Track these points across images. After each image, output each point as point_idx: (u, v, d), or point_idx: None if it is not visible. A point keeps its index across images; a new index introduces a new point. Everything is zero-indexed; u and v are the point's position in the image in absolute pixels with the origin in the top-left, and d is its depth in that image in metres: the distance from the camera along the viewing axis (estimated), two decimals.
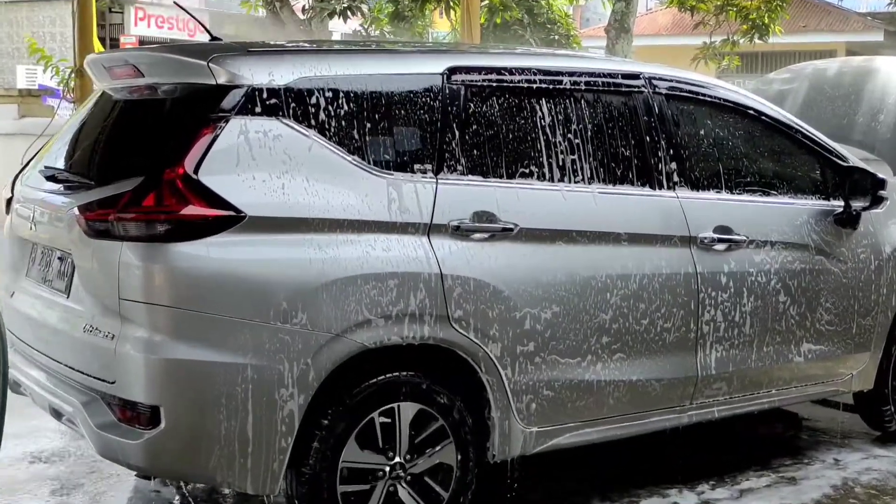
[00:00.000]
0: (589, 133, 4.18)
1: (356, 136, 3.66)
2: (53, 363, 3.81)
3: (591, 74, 4.28)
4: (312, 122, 3.59)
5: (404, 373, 3.72)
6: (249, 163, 3.45)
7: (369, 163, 3.66)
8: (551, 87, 4.14)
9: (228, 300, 3.37)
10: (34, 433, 5.08)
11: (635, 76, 4.41)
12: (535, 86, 4.10)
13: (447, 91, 3.89)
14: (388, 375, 3.69)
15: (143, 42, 26.71)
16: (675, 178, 4.36)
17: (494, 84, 4.01)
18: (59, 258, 3.85)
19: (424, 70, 3.92)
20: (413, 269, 3.65)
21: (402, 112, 3.79)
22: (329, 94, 3.65)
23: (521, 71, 4.10)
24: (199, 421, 3.36)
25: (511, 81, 4.05)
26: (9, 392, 4.08)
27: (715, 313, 4.39)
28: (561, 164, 4.07)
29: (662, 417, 4.35)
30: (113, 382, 3.45)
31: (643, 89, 4.38)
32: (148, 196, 3.38)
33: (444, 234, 3.75)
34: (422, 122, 3.82)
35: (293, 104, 3.58)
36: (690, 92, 4.57)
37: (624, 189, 4.22)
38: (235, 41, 4.03)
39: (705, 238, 4.39)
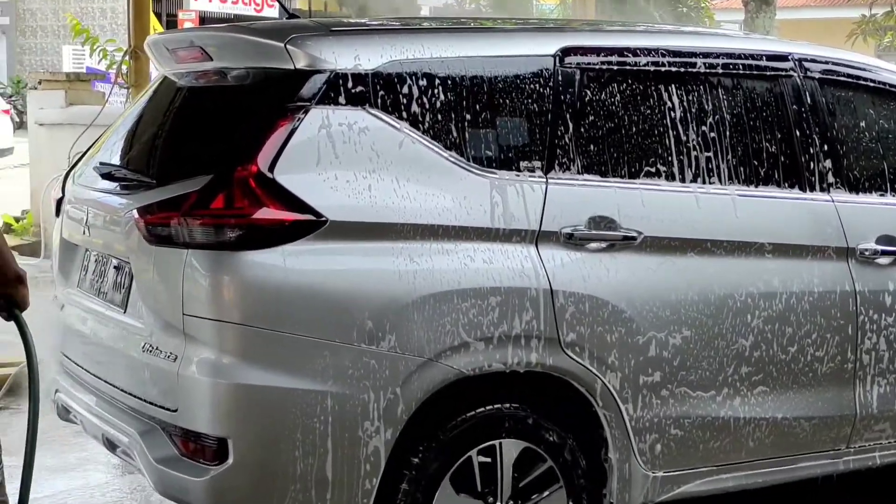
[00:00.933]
0: (727, 125, 4.12)
1: (454, 130, 3.67)
2: (107, 387, 3.90)
3: (730, 56, 4.23)
4: (404, 112, 3.61)
5: (507, 405, 3.72)
6: (331, 160, 3.49)
7: (469, 160, 3.67)
8: (682, 71, 4.10)
9: (306, 317, 3.41)
10: (84, 465, 5.20)
11: (782, 57, 4.34)
12: (662, 69, 4.07)
13: (560, 76, 3.88)
14: (488, 408, 3.69)
15: (203, 19, 27.26)
16: (830, 179, 4.28)
17: (615, 68, 3.99)
18: (115, 267, 3.94)
19: (533, 52, 3.91)
20: (518, 285, 3.64)
21: (508, 101, 3.79)
22: (423, 81, 3.67)
23: (647, 52, 4.07)
24: (272, 457, 3.40)
25: (634, 65, 4.02)
26: (56, 419, 4.20)
27: (877, 340, 4.29)
28: (693, 161, 4.02)
29: (813, 463, 4.27)
30: (175, 410, 3.51)
31: (792, 73, 4.31)
32: (216, 197, 3.44)
33: (555, 244, 3.73)
34: (530, 112, 3.82)
35: (382, 92, 3.61)
36: (848, 76, 4.48)
37: (768, 191, 4.16)
38: (315, 19, 4.08)
39: (866, 250, 4.30)
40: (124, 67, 8.75)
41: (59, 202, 4.47)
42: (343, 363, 3.43)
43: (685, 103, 4.07)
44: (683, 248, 3.94)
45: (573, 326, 3.72)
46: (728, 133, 4.12)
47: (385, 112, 3.60)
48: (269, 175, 3.41)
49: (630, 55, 4.03)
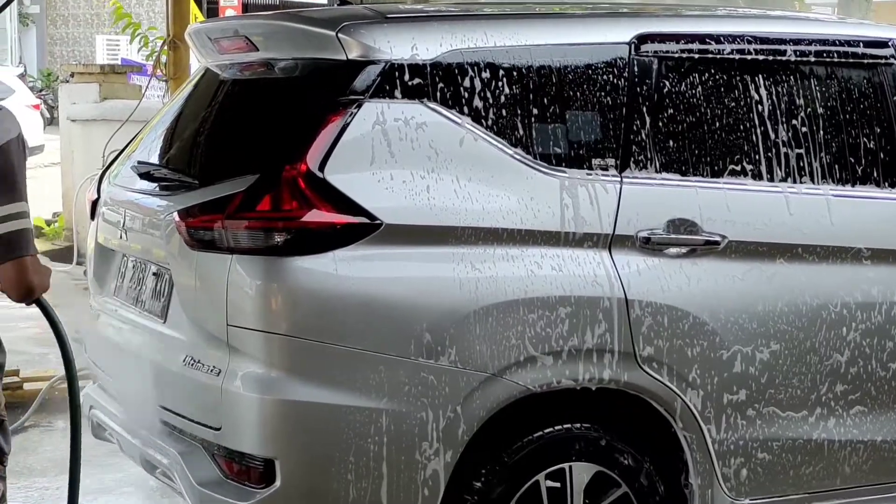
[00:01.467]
0: (820, 119, 4.09)
1: (520, 125, 3.68)
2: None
3: (823, 43, 4.19)
4: (465, 106, 3.63)
5: (578, 425, 3.72)
6: (387, 158, 3.51)
7: (536, 158, 3.68)
8: (770, 59, 4.07)
9: (359, 329, 3.43)
10: (121, 487, 5.26)
11: (882, 44, 4.29)
12: (748, 58, 4.04)
13: (635, 65, 3.87)
14: (557, 428, 3.69)
15: (247, 6, 27.44)
16: None
17: (696, 56, 3.97)
18: (154, 274, 3.99)
19: (606, 39, 3.91)
20: (590, 294, 3.64)
21: (578, 93, 3.79)
22: (486, 72, 3.68)
23: (731, 39, 4.04)
24: (323, 481, 3.43)
25: (717, 53, 4.00)
26: (91, 437, 4.26)
27: None
28: (783, 158, 4.00)
29: None
30: (218, 429, 3.55)
31: (892, 61, 4.27)
32: (263, 199, 3.47)
33: (631, 249, 3.73)
34: (603, 105, 3.81)
35: (442, 84, 3.62)
36: None
37: (867, 191, 4.11)
38: (369, 6, 4.10)
39: None
40: (163, 58, 8.84)
41: (94, 204, 4.54)
42: (399, 379, 3.45)
43: (774, 95, 4.04)
44: (772, 254, 3.91)
45: (650, 340, 3.70)
46: (821, 128, 4.09)
47: (445, 106, 3.61)
48: (320, 175, 3.44)
49: (712, 42, 4.01)
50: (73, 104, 11.68)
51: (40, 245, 12.26)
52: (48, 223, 12.68)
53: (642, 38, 3.92)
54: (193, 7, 10.63)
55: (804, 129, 4.05)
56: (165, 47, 8.72)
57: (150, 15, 28.54)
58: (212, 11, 26.55)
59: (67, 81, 12.42)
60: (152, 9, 29.31)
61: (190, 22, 8.50)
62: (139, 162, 4.25)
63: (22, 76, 24.93)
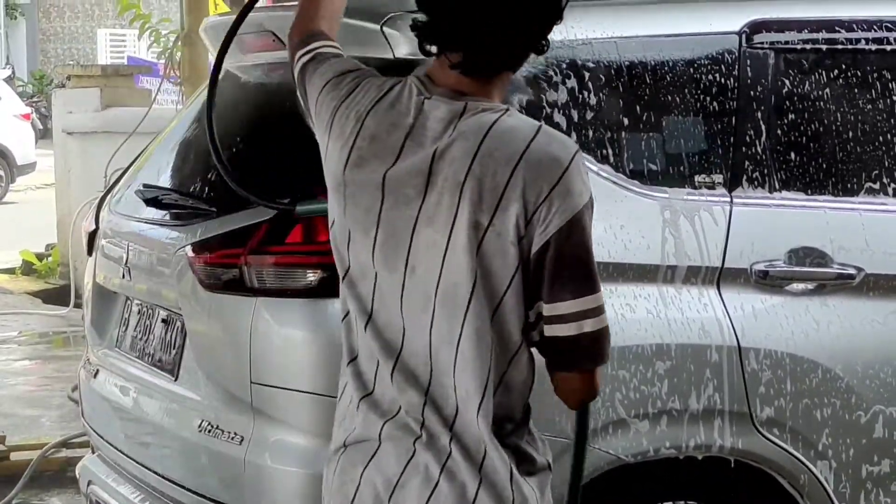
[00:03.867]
0: None
1: (606, 136, 3.68)
2: (153, 476, 3.97)
3: None
4: (537, 114, 3.62)
5: (682, 502, 3.71)
6: None
7: (627, 175, 3.68)
8: None
9: None
10: None
11: None
12: (888, 50, 4.02)
13: (747, 60, 3.86)
14: None
15: None
16: None
17: (823, 48, 3.96)
18: (163, 321, 4.03)
19: (710, 29, 3.91)
20: (695, 341, 3.63)
21: (677, 96, 3.79)
22: (563, 71, 3.68)
23: (866, 26, 4.02)
24: None
25: (849, 43, 3.98)
26: None
27: None
28: None
29: None
30: None
31: None
32: (293, 228, 3.50)
33: (744, 285, 3.71)
34: (707, 110, 3.81)
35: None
36: None
37: None
38: None
39: None
40: (177, 56, 8.90)
41: (92, 236, 4.58)
42: None
43: None
44: None
45: (770, 398, 3.68)
46: None
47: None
48: None
49: (843, 30, 3.99)
50: (70, 113, 11.78)
51: (31, 284, 12.41)
52: (40, 258, 12.80)
53: (755, 27, 3.90)
54: None
55: None
56: (180, 43, 8.79)
57: (162, 4, 28.95)
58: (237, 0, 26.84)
59: (63, 86, 12.60)
60: None
61: (210, 12, 8.57)
62: (145, 185, 4.27)
63: (9, 79, 25.28)
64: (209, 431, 3.67)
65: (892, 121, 3.98)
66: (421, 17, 2.54)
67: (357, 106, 2.57)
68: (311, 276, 3.47)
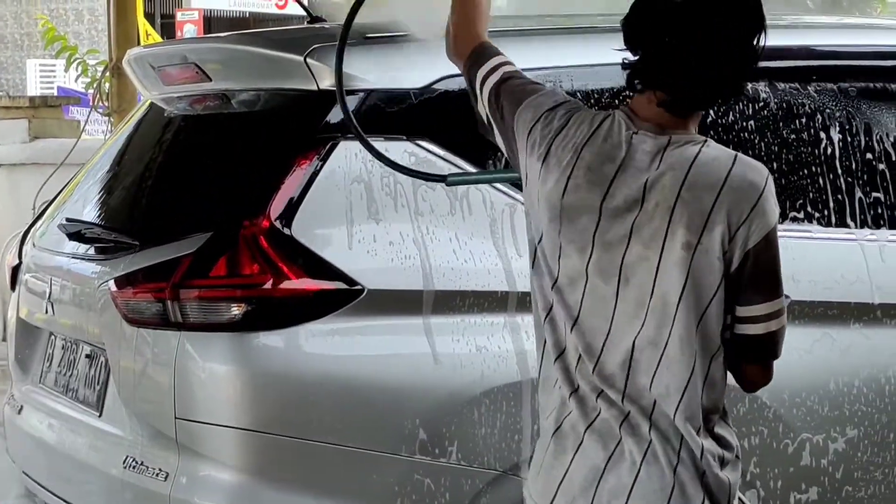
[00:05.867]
0: None
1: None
2: None
3: None
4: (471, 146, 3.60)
5: None
6: (368, 209, 3.50)
7: None
8: None
9: (339, 420, 3.42)
10: None
11: None
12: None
13: None
14: None
15: (209, 19, 27.65)
16: None
17: None
18: (87, 356, 3.99)
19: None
20: None
21: None
22: None
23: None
24: None
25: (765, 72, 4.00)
26: None
27: None
28: None
29: None
30: None
31: None
32: (217, 262, 3.47)
33: None
34: None
35: (436, 118, 3.63)
36: None
37: None
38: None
39: None
40: (106, 86, 8.86)
41: (15, 270, 4.54)
42: (388, 481, 3.43)
43: None
44: None
45: None
46: None
47: (441, 146, 3.61)
48: (286, 231, 3.44)
49: None
50: None
51: None
52: None
53: None
54: (144, 24, 10.66)
55: None
56: (108, 74, 8.75)
57: (93, 34, 28.77)
58: (167, 28, 26.77)
59: None
60: (95, 27, 29.53)
61: (142, 42, 8.54)
62: (68, 220, 4.23)
63: None
64: (134, 468, 3.63)
65: (817, 151, 3.99)
66: (629, 56, 2.72)
67: (574, 138, 2.76)
68: (236, 310, 3.44)
